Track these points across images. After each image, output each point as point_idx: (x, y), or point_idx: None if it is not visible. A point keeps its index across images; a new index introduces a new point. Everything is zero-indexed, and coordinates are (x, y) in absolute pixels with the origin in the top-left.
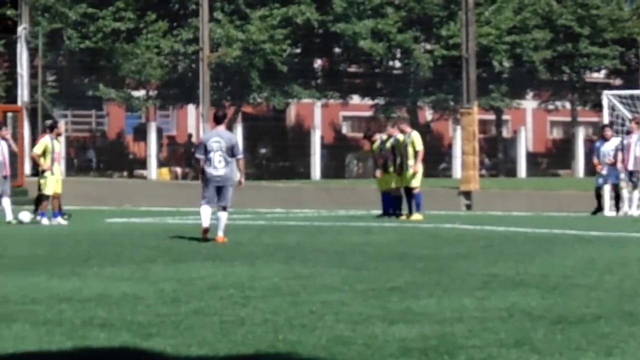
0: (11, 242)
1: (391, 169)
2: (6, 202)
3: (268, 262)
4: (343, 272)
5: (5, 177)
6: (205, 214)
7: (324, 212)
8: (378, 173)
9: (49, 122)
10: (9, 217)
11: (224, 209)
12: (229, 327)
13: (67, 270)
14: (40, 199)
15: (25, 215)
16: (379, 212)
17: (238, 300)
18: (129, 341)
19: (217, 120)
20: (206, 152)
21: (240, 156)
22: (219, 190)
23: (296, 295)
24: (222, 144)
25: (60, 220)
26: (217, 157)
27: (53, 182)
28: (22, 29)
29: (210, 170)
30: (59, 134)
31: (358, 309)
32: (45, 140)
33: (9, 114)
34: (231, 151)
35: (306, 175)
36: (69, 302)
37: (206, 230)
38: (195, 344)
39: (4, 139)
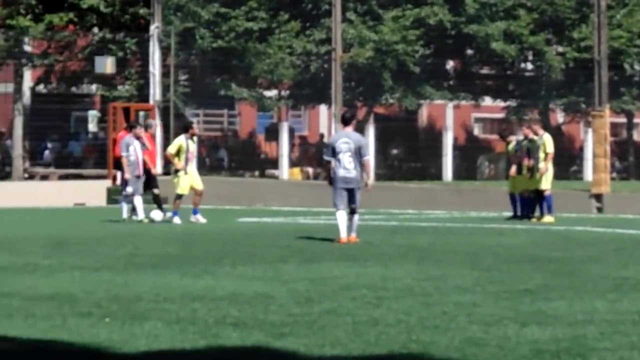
0: (144, 241)
1: (525, 170)
2: (138, 200)
3: (400, 263)
4: (475, 274)
5: (138, 177)
6: (342, 222)
7: (456, 213)
8: (512, 171)
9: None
10: (141, 215)
11: (354, 211)
12: (362, 328)
13: (199, 269)
14: (157, 199)
15: (157, 214)
16: (510, 214)
17: (371, 301)
18: (262, 340)
19: (345, 122)
20: (334, 153)
21: (368, 157)
22: (349, 192)
23: (428, 296)
24: (350, 145)
25: (199, 217)
26: (346, 159)
27: (187, 182)
28: (154, 28)
29: (340, 171)
30: (193, 135)
31: (490, 311)
32: (179, 140)
33: (141, 113)
34: (359, 152)
35: (438, 176)
36: (201, 300)
37: (344, 242)
38: (328, 344)
39: (138, 137)
